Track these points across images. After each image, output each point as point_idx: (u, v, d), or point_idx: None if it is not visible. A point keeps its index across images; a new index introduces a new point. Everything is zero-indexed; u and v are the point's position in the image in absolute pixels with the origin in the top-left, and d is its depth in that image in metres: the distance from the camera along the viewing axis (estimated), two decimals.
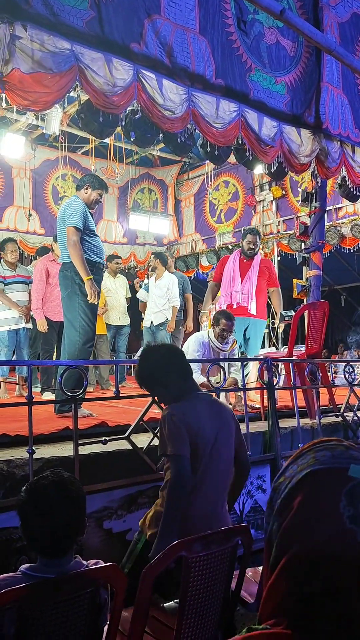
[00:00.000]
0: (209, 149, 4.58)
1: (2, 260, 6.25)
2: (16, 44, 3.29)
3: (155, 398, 2.90)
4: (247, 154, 4.78)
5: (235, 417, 2.56)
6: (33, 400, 2.57)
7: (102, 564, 1.76)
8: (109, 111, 3.78)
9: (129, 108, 3.99)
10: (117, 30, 3.84)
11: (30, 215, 9.98)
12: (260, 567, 2.37)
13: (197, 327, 7.39)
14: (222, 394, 3.94)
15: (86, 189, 4.36)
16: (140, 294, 7.47)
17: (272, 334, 9.71)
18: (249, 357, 5.36)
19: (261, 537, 3.50)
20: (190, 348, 4.73)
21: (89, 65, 3.61)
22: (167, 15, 4.13)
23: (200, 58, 4.31)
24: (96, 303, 4.13)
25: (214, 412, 2.43)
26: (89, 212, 4.34)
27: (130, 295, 7.79)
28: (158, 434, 2.61)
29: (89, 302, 4.08)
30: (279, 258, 9.99)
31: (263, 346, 8.02)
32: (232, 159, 5.25)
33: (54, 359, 6.01)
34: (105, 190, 4.50)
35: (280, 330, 5.97)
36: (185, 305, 7.41)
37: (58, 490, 1.61)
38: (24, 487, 1.66)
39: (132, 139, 4.47)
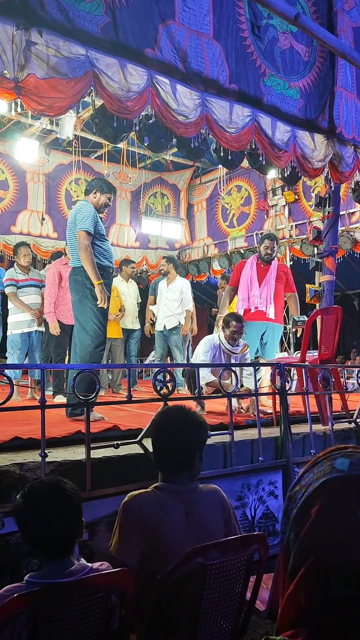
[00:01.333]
0: (222, 154, 4.58)
1: (15, 264, 6.29)
2: (32, 50, 3.32)
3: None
4: (261, 158, 4.78)
5: (226, 514, 2.15)
6: (46, 404, 2.57)
7: (106, 565, 1.76)
8: (123, 116, 3.80)
9: (142, 113, 4.00)
10: (131, 35, 3.86)
11: (43, 219, 10.04)
12: (272, 574, 2.35)
13: (210, 331, 7.39)
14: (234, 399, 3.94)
15: (95, 193, 4.31)
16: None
17: (284, 339, 9.67)
18: (265, 361, 5.35)
19: (272, 543, 3.47)
20: (201, 349, 4.75)
21: (103, 70, 3.64)
22: (181, 20, 4.15)
23: (214, 63, 4.32)
24: (106, 307, 4.10)
25: (196, 514, 2.03)
26: (99, 217, 4.32)
27: (140, 300, 7.81)
28: None
29: (99, 306, 4.08)
30: (291, 263, 9.95)
31: None
32: (244, 163, 5.25)
33: (66, 361, 6.03)
34: (113, 193, 4.48)
35: (298, 335, 5.92)
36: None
37: (52, 490, 1.64)
38: (20, 494, 1.69)
39: (145, 144, 4.48)
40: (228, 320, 4.63)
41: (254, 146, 4.63)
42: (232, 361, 4.73)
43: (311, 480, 0.67)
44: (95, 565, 1.66)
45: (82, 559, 1.66)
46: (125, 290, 7.41)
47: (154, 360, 7.69)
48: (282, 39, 4.88)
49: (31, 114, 7.85)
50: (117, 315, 6.79)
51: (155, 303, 7.49)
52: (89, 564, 1.64)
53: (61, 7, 3.49)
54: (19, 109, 4.57)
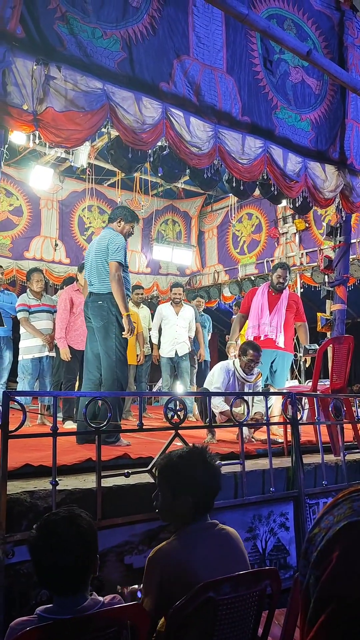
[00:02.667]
0: (234, 184, 4.66)
1: (28, 290, 6.36)
2: (50, 84, 3.43)
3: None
4: (272, 188, 4.85)
5: (247, 560, 2.09)
6: (57, 432, 2.58)
7: (118, 598, 1.74)
8: (137, 147, 3.88)
9: (157, 144, 4.09)
10: (147, 70, 3.97)
11: (56, 245, 10.17)
12: (284, 609, 2.30)
13: (221, 357, 7.38)
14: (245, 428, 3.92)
15: (119, 222, 4.35)
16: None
17: (294, 367, 9.63)
18: (274, 389, 5.33)
19: (284, 577, 3.41)
20: (216, 375, 4.74)
21: (119, 103, 3.73)
22: (195, 55, 4.26)
23: (227, 96, 4.41)
24: (129, 337, 4.19)
25: (220, 556, 1.96)
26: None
27: (151, 326, 7.84)
28: None
29: (124, 336, 4.17)
30: (302, 290, 9.97)
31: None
32: (256, 192, 5.32)
33: (76, 387, 6.04)
34: (137, 222, 4.55)
35: (307, 365, 5.92)
36: (197, 334, 7.44)
37: (68, 526, 1.60)
38: (36, 525, 1.66)
39: (159, 175, 4.57)
40: (245, 349, 4.62)
41: (265, 177, 4.70)
42: (245, 389, 4.72)
43: (331, 523, 0.66)
44: (107, 599, 1.64)
45: (94, 593, 1.63)
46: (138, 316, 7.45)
47: (162, 388, 7.67)
48: (294, 73, 4.99)
49: (47, 144, 8.04)
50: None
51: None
52: (101, 599, 1.62)
53: (80, 43, 3.61)
54: (37, 141, 4.69)
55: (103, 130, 4.16)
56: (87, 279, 4.49)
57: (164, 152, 4.23)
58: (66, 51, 3.55)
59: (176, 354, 6.99)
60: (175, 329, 7.04)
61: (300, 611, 0.68)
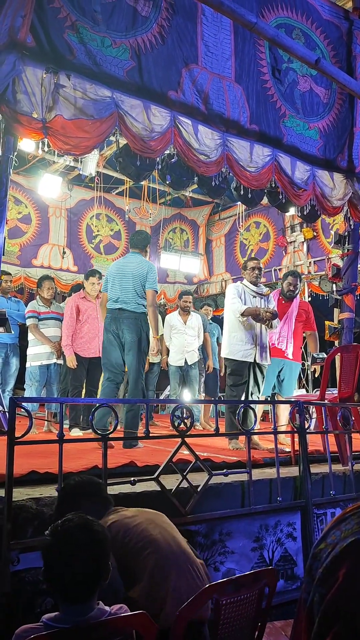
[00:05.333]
0: (242, 192, 4.66)
1: (37, 297, 6.39)
2: (60, 92, 3.45)
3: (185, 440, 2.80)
4: (280, 197, 4.84)
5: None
6: (63, 438, 2.57)
7: (125, 608, 1.72)
8: (146, 155, 3.89)
9: (165, 152, 4.10)
10: (155, 78, 3.99)
11: (64, 253, 10.20)
12: (291, 620, 2.28)
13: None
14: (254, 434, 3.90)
15: (147, 248, 5.00)
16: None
17: (302, 376, 9.58)
18: (282, 398, 5.31)
19: (291, 588, 3.37)
20: (230, 297, 5.02)
21: (128, 111, 3.75)
22: (204, 64, 4.28)
23: (236, 105, 4.43)
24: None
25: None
26: None
27: (160, 334, 7.82)
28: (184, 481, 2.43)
29: (152, 354, 4.93)
30: (310, 299, 9.93)
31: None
32: (264, 200, 5.32)
33: (82, 395, 6.03)
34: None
35: (316, 374, 5.91)
36: (204, 344, 7.41)
37: (83, 533, 1.58)
38: (49, 530, 1.64)
39: (167, 182, 4.58)
40: (245, 263, 5.12)
41: (273, 185, 4.70)
42: (260, 303, 5.00)
43: (338, 539, 0.63)
44: (114, 609, 1.62)
45: (100, 602, 1.61)
46: None
47: (169, 396, 7.65)
48: (302, 82, 5.00)
49: (56, 152, 8.09)
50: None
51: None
52: (108, 608, 1.59)
53: (89, 52, 3.64)
54: (45, 148, 4.72)
55: (112, 138, 4.18)
56: (113, 295, 4.85)
57: (172, 160, 4.24)
58: (76, 60, 3.58)
59: (185, 362, 6.98)
60: (185, 338, 7.03)
61: (303, 631, 0.65)
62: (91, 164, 8.26)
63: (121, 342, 4.80)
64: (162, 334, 7.42)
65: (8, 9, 3.31)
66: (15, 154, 3.45)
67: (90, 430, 5.13)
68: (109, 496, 2.41)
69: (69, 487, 2.29)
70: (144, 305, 4.80)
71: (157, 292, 4.75)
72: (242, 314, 4.79)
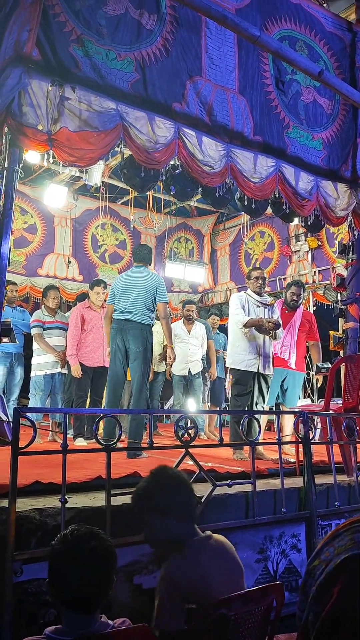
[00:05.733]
0: (246, 203, 4.67)
1: (43, 306, 6.41)
2: (65, 105, 3.49)
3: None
4: (284, 207, 4.86)
5: (241, 566, 2.17)
6: (67, 449, 2.58)
7: (128, 622, 1.71)
8: (150, 167, 3.92)
9: (169, 163, 4.12)
10: (160, 91, 4.03)
11: (69, 262, 10.25)
12: (295, 633, 2.27)
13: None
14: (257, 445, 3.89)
15: (150, 264, 5.19)
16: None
17: (306, 386, 9.55)
18: (286, 408, 5.29)
19: (295, 600, 3.35)
20: (232, 306, 5.05)
21: (132, 123, 3.78)
22: (208, 76, 4.32)
23: (239, 116, 4.46)
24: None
25: (224, 565, 2.06)
26: None
27: (164, 343, 7.81)
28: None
29: (168, 362, 5.21)
30: (315, 308, 9.92)
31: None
32: (268, 210, 5.34)
33: (87, 404, 6.03)
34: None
35: (319, 384, 5.90)
36: (208, 353, 7.41)
37: (92, 542, 1.58)
38: (58, 538, 1.64)
39: (172, 193, 4.61)
40: (249, 273, 5.17)
41: (277, 195, 4.71)
42: (264, 313, 5.03)
43: (332, 555, 0.62)
44: (117, 622, 1.62)
45: (103, 615, 1.61)
46: None
47: (173, 406, 7.64)
48: (306, 93, 5.03)
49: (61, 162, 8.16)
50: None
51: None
52: (111, 622, 1.59)
53: (94, 65, 3.68)
54: (51, 159, 4.77)
55: (116, 149, 4.20)
56: (120, 307, 4.98)
57: (177, 171, 4.27)
58: (81, 73, 3.62)
59: (189, 372, 6.98)
60: (188, 347, 7.03)
61: None
62: (96, 174, 8.32)
63: (126, 352, 4.92)
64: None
65: (14, 23, 3.36)
66: (21, 165, 3.48)
67: (94, 440, 5.16)
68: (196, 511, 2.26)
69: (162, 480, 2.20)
70: (150, 317, 4.94)
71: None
72: (245, 325, 4.80)
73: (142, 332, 4.89)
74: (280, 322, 4.91)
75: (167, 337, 5.06)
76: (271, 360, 5.00)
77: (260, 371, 4.88)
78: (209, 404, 7.69)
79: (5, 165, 3.39)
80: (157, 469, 2.28)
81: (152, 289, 4.95)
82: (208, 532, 2.17)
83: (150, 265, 5.26)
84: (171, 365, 7.38)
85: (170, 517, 2.09)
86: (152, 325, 5.01)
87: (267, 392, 5.03)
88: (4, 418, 4.14)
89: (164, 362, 7.56)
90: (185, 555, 2.03)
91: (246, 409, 4.86)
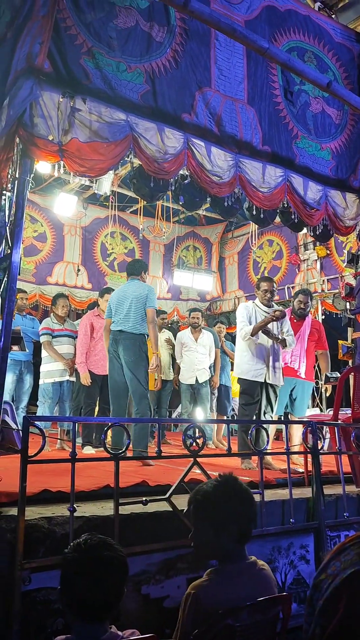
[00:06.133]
0: (254, 212, 4.69)
1: (52, 314, 6.45)
2: (76, 116, 3.52)
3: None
4: (293, 217, 4.86)
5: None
6: (76, 457, 2.59)
7: (137, 634, 1.71)
8: (159, 177, 3.95)
9: (178, 173, 4.15)
10: (169, 102, 4.06)
11: (79, 270, 10.31)
12: None
13: None
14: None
15: (144, 274, 5.34)
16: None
17: (315, 395, 9.51)
18: (295, 418, 5.28)
19: (303, 612, 3.33)
20: (239, 317, 5.08)
21: (142, 134, 3.82)
22: (217, 87, 4.35)
23: (248, 126, 4.48)
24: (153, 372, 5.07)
25: (259, 595, 1.93)
26: None
27: (172, 351, 7.83)
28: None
29: (150, 370, 5.06)
30: (323, 317, 9.90)
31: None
32: (276, 220, 5.35)
33: (95, 412, 6.05)
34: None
35: (328, 393, 5.88)
36: (214, 361, 7.41)
37: (106, 551, 1.58)
38: (71, 547, 1.64)
39: (181, 203, 4.63)
40: (258, 282, 5.15)
41: (286, 205, 4.73)
42: (272, 325, 4.99)
43: (338, 570, 0.62)
44: (127, 633, 1.62)
45: (113, 626, 1.61)
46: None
47: (181, 414, 7.63)
48: (314, 104, 5.05)
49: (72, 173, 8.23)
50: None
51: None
52: (120, 633, 1.59)
53: (104, 77, 3.72)
54: (61, 170, 4.81)
55: (126, 159, 4.24)
56: (116, 319, 5.12)
57: (185, 181, 4.29)
58: (91, 84, 3.66)
59: (196, 380, 6.97)
60: (195, 356, 7.03)
61: None
62: (106, 183, 8.38)
63: (121, 363, 5.02)
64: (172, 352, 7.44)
65: (26, 36, 3.41)
66: (32, 175, 3.52)
67: (102, 448, 5.18)
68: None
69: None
70: (143, 327, 5.04)
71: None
72: (252, 334, 4.80)
73: (134, 341, 4.98)
74: (285, 312, 4.98)
75: (153, 343, 5.03)
76: (281, 370, 4.99)
77: (268, 381, 4.88)
78: (216, 413, 7.68)
79: (17, 176, 3.43)
80: (226, 477, 2.12)
81: (143, 298, 5.06)
82: (253, 558, 2.05)
83: (144, 274, 5.39)
84: (174, 372, 7.41)
85: (223, 533, 1.98)
86: (146, 334, 5.05)
87: (276, 401, 5.02)
88: (14, 426, 4.16)
89: (170, 370, 7.57)
90: (221, 579, 1.94)
91: (254, 418, 4.85)
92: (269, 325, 4.93)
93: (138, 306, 5.04)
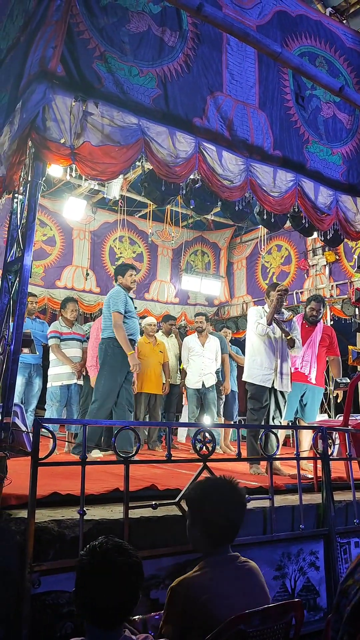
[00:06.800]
0: (265, 217, 4.68)
1: (60, 318, 6.47)
2: (88, 120, 3.54)
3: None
4: (303, 221, 4.85)
5: (267, 593, 2.08)
6: (86, 460, 2.58)
7: (150, 638, 1.70)
8: (171, 181, 3.95)
9: (189, 177, 4.15)
10: (181, 106, 4.07)
11: (87, 274, 10.33)
12: None
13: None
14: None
15: (118, 279, 5.49)
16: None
17: (325, 401, 9.46)
18: (305, 424, 5.25)
19: (313, 619, 3.29)
20: (253, 318, 5.09)
21: (153, 138, 3.82)
22: (228, 92, 4.36)
23: (259, 131, 4.48)
24: (137, 372, 5.24)
25: (245, 587, 2.00)
26: (130, 296, 5.40)
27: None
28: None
29: (131, 371, 5.18)
30: (332, 322, 9.86)
31: None
32: (286, 224, 5.34)
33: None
34: (130, 269, 5.58)
35: (339, 400, 5.85)
36: (222, 366, 7.39)
37: (121, 555, 1.57)
38: (87, 550, 1.63)
39: (191, 207, 4.64)
40: (269, 290, 5.13)
41: (296, 209, 4.72)
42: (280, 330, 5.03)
43: None
44: (140, 638, 1.60)
45: (127, 630, 1.59)
46: (166, 346, 7.46)
47: (188, 419, 7.61)
48: (325, 108, 5.05)
49: (82, 176, 8.25)
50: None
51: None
52: (134, 637, 1.58)
53: (117, 81, 3.73)
54: (73, 174, 4.83)
55: (137, 163, 4.25)
56: None
57: (196, 185, 4.29)
58: (104, 88, 3.67)
59: (203, 385, 6.96)
60: (202, 360, 7.02)
61: None
62: (115, 187, 8.40)
63: None
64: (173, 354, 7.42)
65: (40, 40, 3.43)
66: (44, 179, 3.53)
67: (109, 452, 5.18)
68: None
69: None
70: (109, 330, 5.23)
71: (120, 312, 5.17)
72: (268, 323, 4.86)
73: (102, 345, 5.27)
74: (288, 289, 5.11)
75: (124, 346, 5.12)
76: (289, 376, 4.97)
77: (275, 387, 4.86)
78: (223, 418, 7.66)
79: (29, 179, 3.44)
80: (225, 480, 2.18)
81: (107, 302, 5.35)
82: (237, 554, 2.12)
83: (121, 277, 5.52)
84: (181, 376, 7.41)
85: (205, 530, 2.06)
86: (111, 337, 5.20)
87: (284, 406, 4.99)
88: (23, 428, 4.16)
89: (177, 374, 7.56)
90: (207, 569, 2.00)
91: (263, 423, 4.83)
92: (277, 329, 4.92)
93: (106, 310, 5.32)
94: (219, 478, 2.22)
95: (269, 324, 4.86)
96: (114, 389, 5.17)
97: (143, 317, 8.05)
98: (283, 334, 4.91)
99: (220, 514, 2.05)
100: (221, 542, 2.08)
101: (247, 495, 2.23)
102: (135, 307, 5.81)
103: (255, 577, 2.07)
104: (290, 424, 5.37)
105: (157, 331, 7.52)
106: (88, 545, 1.64)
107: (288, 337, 4.89)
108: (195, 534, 2.11)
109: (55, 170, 6.52)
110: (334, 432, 4.38)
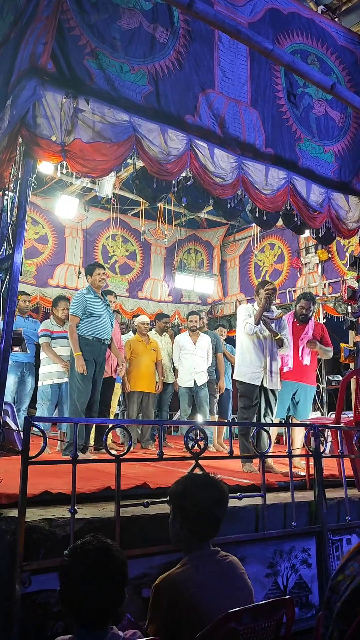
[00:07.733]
0: (257, 214, 4.68)
1: (51, 316, 6.43)
2: (79, 116, 3.52)
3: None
4: (295, 219, 4.86)
5: (249, 586, 2.11)
6: (77, 459, 2.57)
7: (139, 634, 1.69)
8: (162, 178, 3.94)
9: (181, 175, 4.14)
10: (172, 103, 4.06)
11: (79, 273, 10.29)
12: None
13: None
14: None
15: (87, 278, 5.58)
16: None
17: (317, 399, 9.48)
18: (297, 421, 5.25)
19: (305, 616, 3.30)
20: (242, 316, 5.02)
21: (145, 135, 3.81)
22: (220, 89, 4.35)
23: (251, 128, 4.48)
24: (85, 373, 5.07)
25: (228, 581, 2.03)
26: (97, 296, 5.41)
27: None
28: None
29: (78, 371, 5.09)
30: (324, 320, 9.88)
31: None
32: (279, 222, 5.34)
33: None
34: (97, 267, 5.56)
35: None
36: (217, 365, 7.37)
37: (103, 557, 1.56)
38: (68, 551, 1.62)
39: (183, 205, 4.63)
40: (258, 288, 5.05)
41: (289, 207, 4.72)
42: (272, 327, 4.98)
43: (357, 571, 0.60)
44: (128, 634, 1.59)
45: (114, 627, 1.58)
46: (159, 344, 7.44)
47: (180, 418, 7.60)
48: (317, 106, 5.05)
49: (73, 174, 8.22)
50: (120, 369, 6.54)
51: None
52: (121, 634, 1.57)
53: (108, 77, 3.72)
54: (64, 171, 4.81)
55: (129, 161, 4.23)
56: None
57: (188, 183, 4.28)
58: (95, 85, 3.66)
59: (195, 383, 6.94)
60: (194, 359, 7.00)
61: None
62: (107, 185, 8.38)
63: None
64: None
65: (30, 36, 3.41)
66: (34, 176, 3.51)
67: (102, 450, 5.17)
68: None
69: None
70: (78, 330, 5.28)
71: (75, 315, 5.26)
72: (255, 323, 4.80)
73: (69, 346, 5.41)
74: (276, 288, 5.07)
75: (73, 346, 5.25)
76: (278, 375, 4.96)
77: (265, 385, 4.85)
78: (217, 416, 7.64)
79: (19, 176, 3.42)
80: (209, 478, 2.22)
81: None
82: (217, 549, 2.15)
83: (89, 277, 5.56)
84: (174, 375, 7.39)
85: (185, 525, 2.09)
86: (84, 336, 5.25)
87: (275, 404, 4.99)
88: (14, 427, 4.14)
89: (171, 372, 7.54)
90: (190, 565, 2.03)
91: (254, 421, 4.83)
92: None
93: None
94: (201, 474, 2.27)
95: (257, 323, 4.83)
96: (85, 387, 5.21)
97: (136, 316, 8.02)
98: (272, 334, 4.89)
99: (200, 508, 2.08)
100: (202, 537, 2.11)
101: (228, 492, 2.25)
102: (109, 306, 5.68)
103: (236, 570, 2.10)
104: (283, 422, 5.37)
105: (151, 329, 7.50)
106: (71, 546, 1.63)
107: (277, 337, 4.87)
108: (176, 529, 2.14)
109: (46, 167, 6.52)
110: (326, 430, 4.38)
